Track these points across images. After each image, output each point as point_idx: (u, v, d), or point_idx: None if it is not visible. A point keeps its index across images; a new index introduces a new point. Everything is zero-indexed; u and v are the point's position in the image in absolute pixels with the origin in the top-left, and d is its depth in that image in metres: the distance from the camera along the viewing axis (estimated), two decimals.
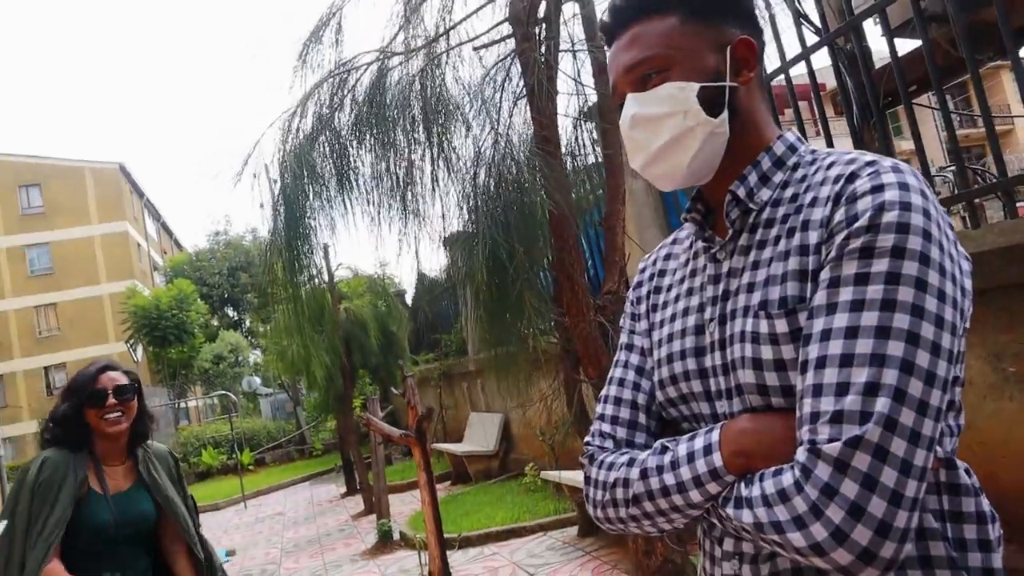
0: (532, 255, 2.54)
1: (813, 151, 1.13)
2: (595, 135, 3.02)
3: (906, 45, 3.88)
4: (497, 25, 2.96)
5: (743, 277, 1.07)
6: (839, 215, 0.95)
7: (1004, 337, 3.05)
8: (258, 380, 28.99)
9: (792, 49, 3.80)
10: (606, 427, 1.22)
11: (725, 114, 1.10)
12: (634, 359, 1.26)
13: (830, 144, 3.92)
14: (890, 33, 3.44)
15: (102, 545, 2.51)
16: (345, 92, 2.98)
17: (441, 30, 2.91)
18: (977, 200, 3.48)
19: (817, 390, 0.89)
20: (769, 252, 1.05)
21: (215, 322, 33.64)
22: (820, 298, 0.93)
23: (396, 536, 8.34)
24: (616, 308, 2.63)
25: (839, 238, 0.94)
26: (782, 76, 3.88)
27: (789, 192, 1.07)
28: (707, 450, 1.00)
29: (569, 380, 2.85)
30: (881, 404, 0.85)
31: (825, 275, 0.94)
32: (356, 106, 2.92)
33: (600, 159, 2.95)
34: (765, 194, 1.09)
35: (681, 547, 2.78)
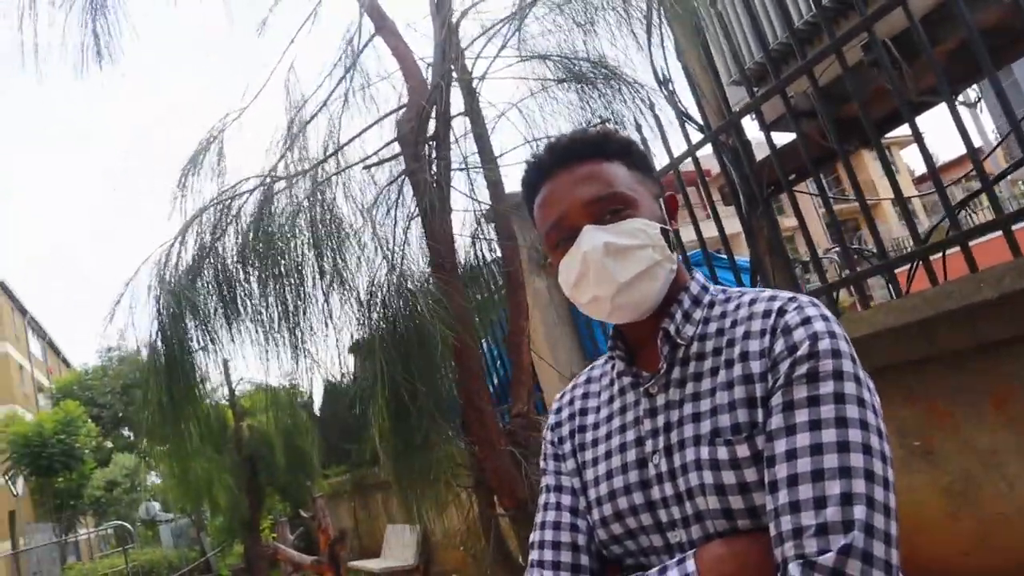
0: (435, 387, 2.43)
1: (724, 290, 1.24)
2: (496, 250, 2.98)
3: (783, 137, 4.10)
4: (387, 144, 2.92)
5: (684, 408, 1.12)
6: (779, 345, 1.06)
7: (905, 412, 3.13)
8: (157, 505, 26.98)
9: (677, 146, 3.94)
10: (548, 573, 1.18)
11: (676, 254, 1.21)
12: (566, 500, 1.24)
13: (720, 229, 4.02)
14: (766, 128, 3.61)
15: None
16: (228, 220, 2.84)
17: (328, 151, 2.85)
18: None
19: (795, 507, 0.95)
20: (708, 383, 1.11)
21: (108, 443, 31.34)
22: (778, 421, 1.01)
23: None
24: (527, 433, 2.53)
25: (784, 366, 1.04)
26: (671, 171, 4.00)
27: (713, 327, 1.17)
28: None
29: (484, 514, 2.70)
30: (859, 511, 0.92)
31: (778, 399, 1.03)
32: (240, 234, 2.79)
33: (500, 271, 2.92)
34: (689, 330, 1.17)
35: None
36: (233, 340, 2.87)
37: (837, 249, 4.11)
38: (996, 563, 2.71)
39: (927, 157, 3.06)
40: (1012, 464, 2.61)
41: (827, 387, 1.00)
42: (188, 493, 11.80)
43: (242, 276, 2.82)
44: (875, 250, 3.87)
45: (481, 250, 2.97)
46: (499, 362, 5.15)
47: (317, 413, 13.61)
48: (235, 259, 2.82)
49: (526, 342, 2.76)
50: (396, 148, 2.85)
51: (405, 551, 10.07)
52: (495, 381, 5.38)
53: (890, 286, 3.87)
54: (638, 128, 3.59)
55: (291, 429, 10.00)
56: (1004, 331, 2.52)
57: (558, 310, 4.98)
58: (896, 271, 3.59)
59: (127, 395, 33.22)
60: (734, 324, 1.14)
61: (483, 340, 4.72)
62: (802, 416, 1.00)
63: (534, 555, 1.21)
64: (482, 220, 2.97)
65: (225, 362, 8.86)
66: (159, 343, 2.71)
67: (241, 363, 9.40)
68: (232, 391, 9.24)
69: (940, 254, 3.57)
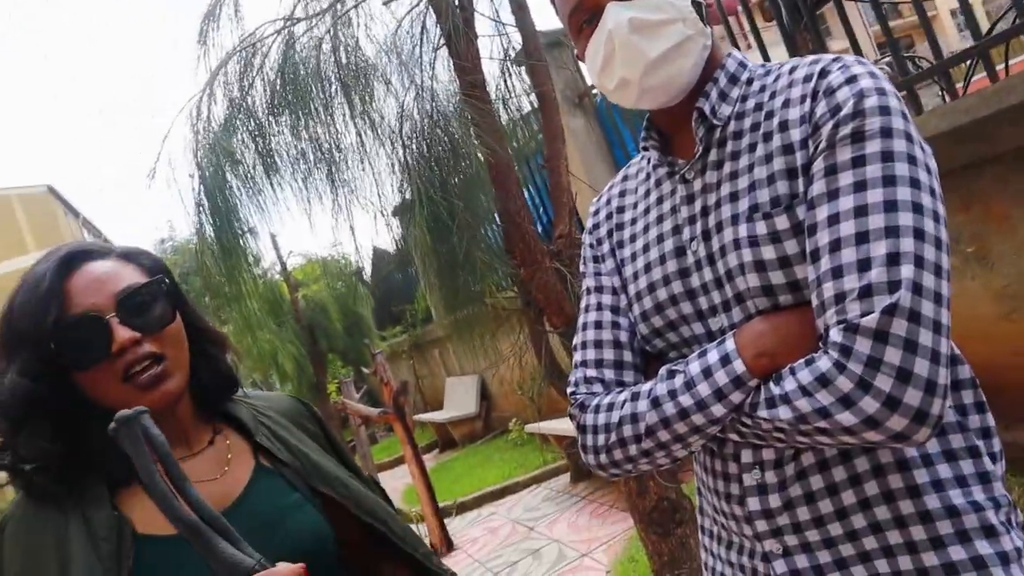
0: (475, 209, 2.44)
1: (763, 64, 1.14)
2: (524, 76, 2.88)
3: None
4: None
5: (722, 189, 1.06)
6: (821, 108, 0.97)
7: (959, 218, 3.06)
8: None
9: None
10: (591, 372, 1.16)
11: (711, 28, 1.11)
12: (607, 299, 1.22)
13: (764, 53, 3.85)
14: None
15: None
16: (254, 70, 2.79)
17: None
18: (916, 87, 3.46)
19: (837, 272, 0.90)
20: (746, 160, 1.05)
21: None
22: (820, 187, 0.94)
23: None
24: (571, 252, 2.54)
25: (827, 128, 0.95)
26: None
27: (751, 103, 1.08)
28: (725, 360, 0.97)
29: (535, 333, 2.77)
30: (906, 271, 0.86)
31: (820, 165, 0.95)
32: (267, 84, 2.74)
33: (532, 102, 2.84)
34: (726, 109, 1.09)
35: (674, 483, 2.76)
36: (275, 192, 2.89)
37: (888, 59, 3.88)
38: None
39: None
40: None
41: (874, 146, 0.91)
42: (256, 365, 12.47)
43: (273, 125, 2.81)
44: (929, 58, 3.64)
45: (511, 80, 2.88)
46: (541, 208, 5.15)
47: (368, 279, 13.98)
48: (266, 111, 2.80)
49: (563, 164, 2.72)
50: None
51: (466, 401, 10.56)
52: (539, 229, 5.38)
53: (944, 94, 3.68)
54: None
55: (344, 296, 10.35)
56: None
57: (597, 147, 4.89)
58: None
59: (186, 283, 34.31)
60: (773, 96, 1.05)
61: (524, 189, 4.67)
62: (846, 179, 0.92)
63: (577, 356, 1.20)
64: (508, 48, 2.87)
65: (273, 236, 9.08)
66: (203, 198, 2.75)
67: (289, 236, 9.61)
68: (284, 264, 9.52)
69: (1004, 51, 3.35)
